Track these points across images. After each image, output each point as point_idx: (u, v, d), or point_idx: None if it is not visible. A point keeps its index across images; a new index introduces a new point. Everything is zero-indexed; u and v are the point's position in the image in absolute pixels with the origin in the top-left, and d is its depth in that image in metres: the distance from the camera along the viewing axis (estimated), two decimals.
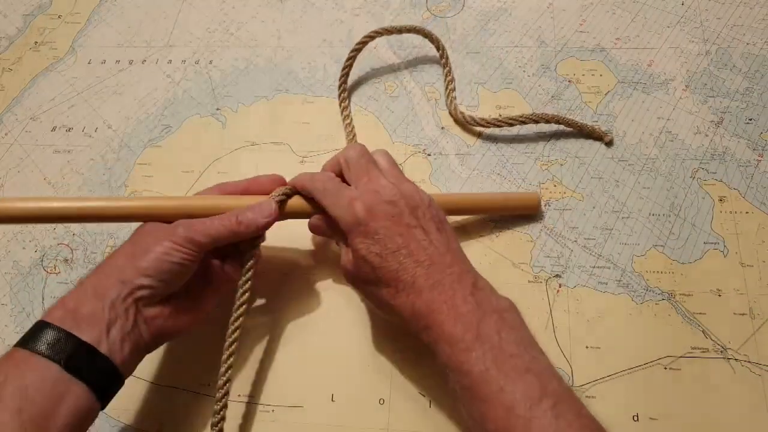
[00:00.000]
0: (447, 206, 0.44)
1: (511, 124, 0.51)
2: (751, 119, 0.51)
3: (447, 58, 0.56)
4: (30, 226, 0.53)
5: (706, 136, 0.51)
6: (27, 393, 0.32)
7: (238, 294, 0.41)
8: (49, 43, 0.64)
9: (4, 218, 0.41)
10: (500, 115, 0.53)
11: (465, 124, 0.53)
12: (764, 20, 0.56)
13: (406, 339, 0.45)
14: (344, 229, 0.39)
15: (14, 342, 0.47)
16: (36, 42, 0.64)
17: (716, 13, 0.57)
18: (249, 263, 0.41)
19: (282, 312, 0.47)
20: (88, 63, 0.62)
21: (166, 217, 0.41)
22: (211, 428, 0.39)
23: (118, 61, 0.61)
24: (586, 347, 0.44)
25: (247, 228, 0.40)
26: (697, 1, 0.58)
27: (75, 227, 0.52)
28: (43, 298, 0.50)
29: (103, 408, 0.36)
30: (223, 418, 0.39)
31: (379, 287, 0.38)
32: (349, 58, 0.55)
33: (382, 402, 0.43)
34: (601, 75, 0.55)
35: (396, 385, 0.43)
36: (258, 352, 0.45)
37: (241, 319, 0.41)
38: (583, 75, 0.55)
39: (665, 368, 0.42)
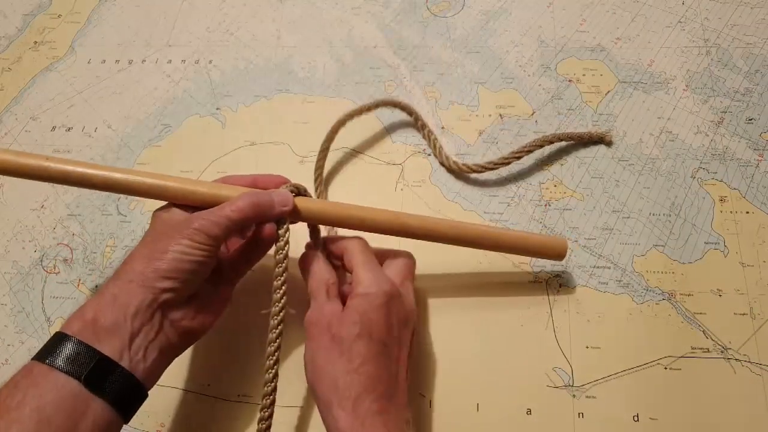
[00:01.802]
0: (463, 236, 0.43)
1: (508, 163, 0.49)
2: (751, 119, 0.51)
3: (423, 122, 0.53)
4: (30, 226, 0.53)
5: (707, 135, 0.51)
6: (45, 412, 0.31)
7: (274, 287, 0.39)
8: (49, 42, 0.64)
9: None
10: (506, 155, 0.51)
11: (461, 173, 0.51)
12: (764, 20, 0.56)
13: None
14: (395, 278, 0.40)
15: (14, 342, 0.48)
16: (36, 42, 0.64)
17: (717, 13, 0.57)
18: (281, 253, 0.40)
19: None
20: (88, 63, 0.62)
21: (169, 199, 0.40)
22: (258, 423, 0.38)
23: (117, 61, 0.61)
24: (586, 347, 0.44)
25: (265, 214, 0.39)
26: (698, 0, 0.58)
27: (75, 227, 0.52)
28: (42, 298, 0.50)
29: (126, 422, 0.35)
30: (270, 418, 0.38)
31: (357, 343, 0.36)
32: (322, 149, 0.51)
33: None
34: (601, 75, 0.55)
35: None
36: (257, 352, 0.45)
37: (281, 315, 0.39)
38: (584, 74, 0.55)
39: (665, 368, 0.42)
